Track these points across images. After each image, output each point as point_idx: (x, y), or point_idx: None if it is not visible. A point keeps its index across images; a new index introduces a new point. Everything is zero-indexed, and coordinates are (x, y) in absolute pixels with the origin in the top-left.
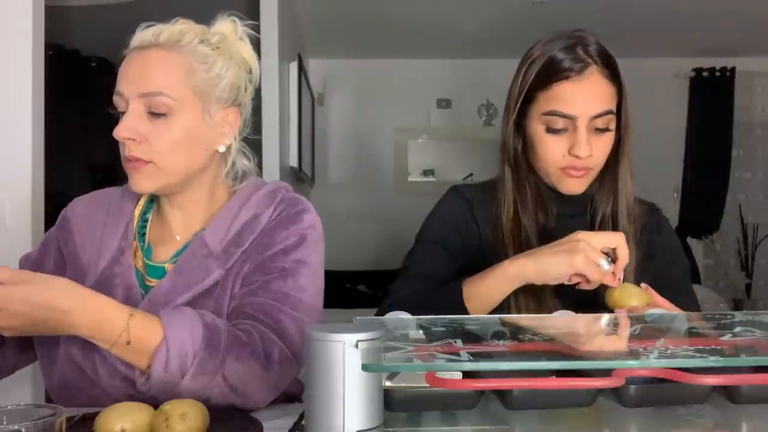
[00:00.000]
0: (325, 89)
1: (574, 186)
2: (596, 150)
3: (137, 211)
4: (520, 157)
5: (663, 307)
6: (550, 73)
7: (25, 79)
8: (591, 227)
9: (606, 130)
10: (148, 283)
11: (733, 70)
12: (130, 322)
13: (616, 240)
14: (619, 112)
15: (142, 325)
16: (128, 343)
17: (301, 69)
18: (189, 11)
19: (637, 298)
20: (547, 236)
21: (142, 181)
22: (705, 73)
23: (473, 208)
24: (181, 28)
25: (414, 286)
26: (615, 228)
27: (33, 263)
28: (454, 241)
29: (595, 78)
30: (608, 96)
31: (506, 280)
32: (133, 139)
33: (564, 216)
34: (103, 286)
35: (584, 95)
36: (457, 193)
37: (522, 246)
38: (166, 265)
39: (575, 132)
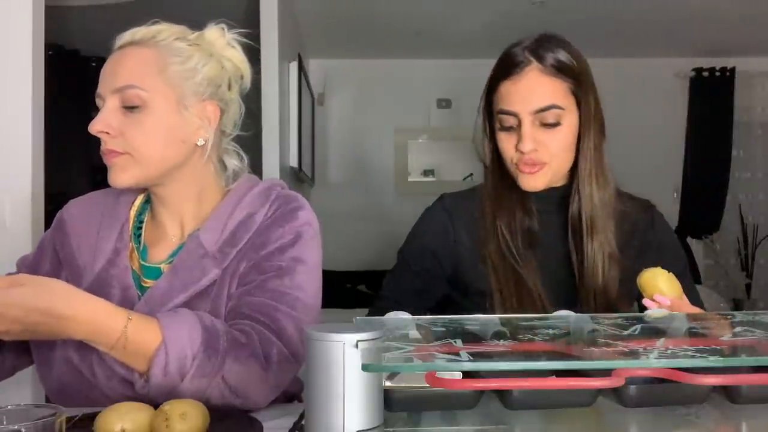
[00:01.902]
0: (325, 89)
1: (530, 182)
2: (546, 144)
3: (132, 212)
4: (495, 160)
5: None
6: (498, 75)
7: (25, 79)
8: (566, 224)
9: (556, 124)
10: (144, 284)
11: (733, 70)
12: (128, 325)
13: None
14: (579, 109)
15: (140, 328)
16: (126, 347)
17: (301, 69)
18: (189, 10)
19: (667, 283)
20: (532, 237)
21: (120, 174)
22: (705, 73)
23: (452, 218)
24: (158, 27)
25: (383, 311)
26: (581, 227)
27: (29, 266)
28: (429, 266)
29: (534, 74)
30: (549, 91)
31: None
32: (108, 133)
33: (543, 213)
34: (100, 287)
35: (522, 91)
36: (441, 204)
37: (501, 247)
38: (162, 266)
39: (520, 128)
